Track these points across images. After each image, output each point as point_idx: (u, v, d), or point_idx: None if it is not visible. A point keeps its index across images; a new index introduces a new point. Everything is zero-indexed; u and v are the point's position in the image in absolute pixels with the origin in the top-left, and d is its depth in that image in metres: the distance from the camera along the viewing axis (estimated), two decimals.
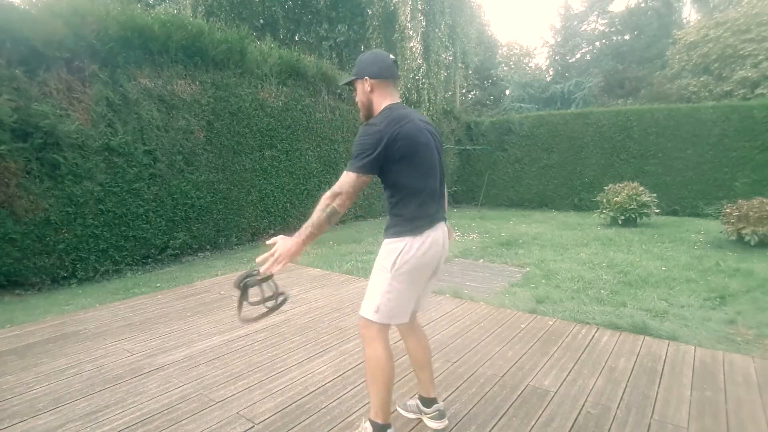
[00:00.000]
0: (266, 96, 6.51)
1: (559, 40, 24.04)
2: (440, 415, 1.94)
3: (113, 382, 2.35)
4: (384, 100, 1.82)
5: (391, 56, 1.87)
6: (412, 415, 2.02)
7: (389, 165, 1.72)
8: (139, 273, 5.00)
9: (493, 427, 1.94)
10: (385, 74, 1.81)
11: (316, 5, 11.92)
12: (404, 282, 1.76)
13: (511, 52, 27.42)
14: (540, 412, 2.06)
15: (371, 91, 1.82)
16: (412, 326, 1.97)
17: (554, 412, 2.06)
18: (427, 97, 11.09)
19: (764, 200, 5.81)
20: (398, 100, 1.86)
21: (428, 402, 1.95)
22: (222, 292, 3.96)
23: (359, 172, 1.68)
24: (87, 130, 4.45)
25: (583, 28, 23.93)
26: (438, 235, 1.81)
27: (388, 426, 1.78)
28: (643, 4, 21.14)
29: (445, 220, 1.90)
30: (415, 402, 2.02)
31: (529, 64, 26.93)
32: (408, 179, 1.75)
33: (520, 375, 2.42)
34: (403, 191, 1.77)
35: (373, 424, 1.78)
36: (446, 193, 1.98)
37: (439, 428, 1.93)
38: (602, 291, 3.93)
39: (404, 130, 1.71)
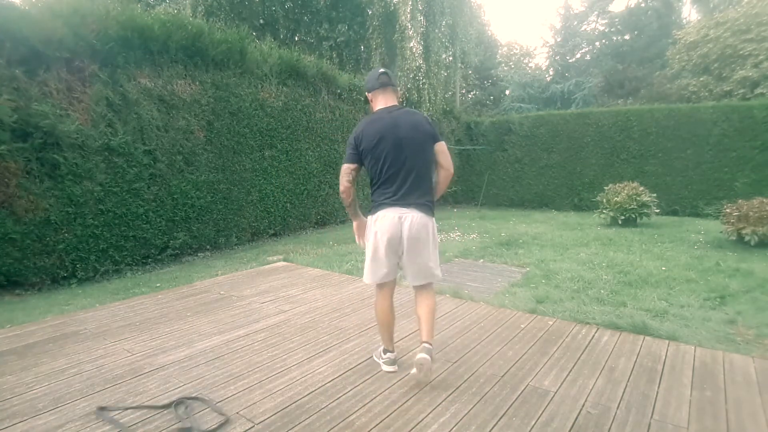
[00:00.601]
0: (266, 96, 6.51)
1: (559, 40, 24.03)
2: (429, 351, 2.25)
3: (113, 382, 2.35)
4: (377, 106, 2.37)
5: (381, 69, 2.37)
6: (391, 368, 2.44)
7: (363, 158, 2.30)
8: (139, 273, 5.00)
9: (493, 427, 1.94)
10: (374, 86, 2.36)
11: (316, 5, 11.92)
12: (370, 250, 2.36)
13: (511, 52, 27.42)
14: (540, 412, 2.05)
15: (371, 101, 2.42)
16: (419, 296, 2.42)
17: (554, 412, 2.06)
18: (427, 97, 11.09)
19: (764, 200, 5.81)
20: (389, 104, 2.34)
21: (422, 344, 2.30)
22: (222, 292, 3.97)
23: (344, 162, 2.33)
24: (87, 130, 4.45)
25: (583, 28, 23.92)
26: (390, 214, 2.25)
27: (389, 351, 2.49)
28: (643, 4, 21.14)
29: (408, 202, 2.25)
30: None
31: (529, 64, 26.92)
32: (371, 171, 2.31)
33: (520, 375, 2.42)
34: (371, 180, 2.35)
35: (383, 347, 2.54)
36: (424, 178, 2.32)
37: (423, 358, 2.21)
38: (602, 291, 3.92)
39: (369, 128, 2.27)
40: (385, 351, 2.50)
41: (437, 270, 2.39)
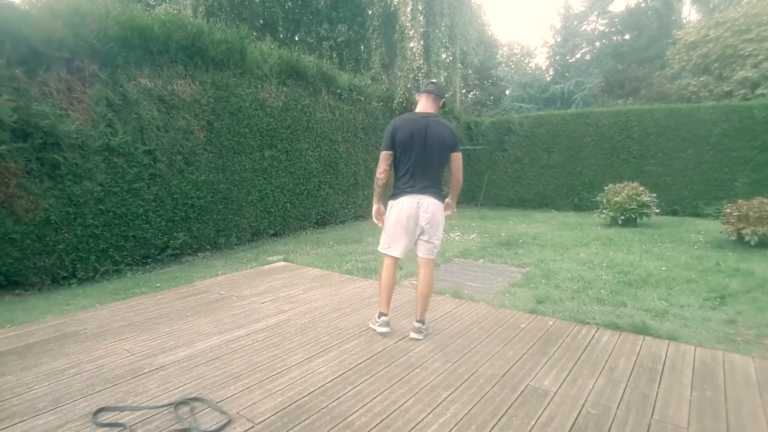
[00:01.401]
0: (266, 96, 6.51)
1: (559, 40, 24.02)
2: (417, 330, 2.89)
3: (113, 382, 2.35)
4: (417, 108, 2.89)
5: (433, 80, 2.94)
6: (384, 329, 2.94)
7: (395, 147, 2.79)
8: (139, 273, 5.00)
9: (493, 427, 1.94)
10: (421, 90, 2.90)
11: (316, 5, 11.92)
12: (388, 228, 2.88)
13: (512, 52, 27.42)
14: (540, 412, 2.06)
15: (417, 101, 2.92)
16: (421, 270, 2.89)
17: (554, 412, 2.06)
18: None
19: (764, 200, 5.81)
20: (428, 110, 2.84)
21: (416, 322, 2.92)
22: (222, 292, 3.97)
23: (382, 149, 2.85)
24: (87, 130, 4.45)
25: (583, 28, 23.91)
26: (408, 199, 2.78)
27: (383, 314, 2.95)
28: (643, 4, 21.13)
29: (426, 191, 2.77)
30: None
31: (529, 64, 26.92)
32: (399, 162, 2.82)
33: (520, 375, 2.42)
34: (397, 170, 2.87)
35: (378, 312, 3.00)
36: (436, 174, 2.84)
37: (415, 337, 2.87)
38: (602, 291, 3.93)
39: (405, 126, 2.77)
40: (380, 315, 2.96)
41: (437, 248, 2.89)
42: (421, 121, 2.75)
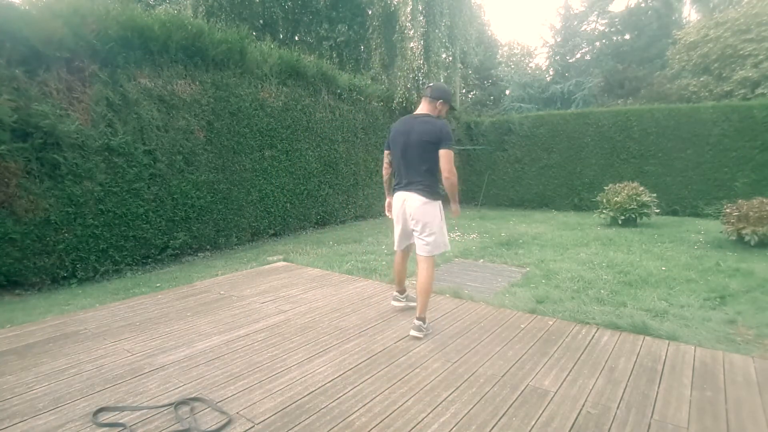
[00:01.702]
0: (266, 96, 6.51)
1: (559, 40, 23.99)
2: (417, 328, 2.90)
3: (113, 382, 2.35)
4: (416, 109, 3.03)
5: (430, 84, 3.04)
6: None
7: (389, 148, 3.08)
8: (139, 273, 5.00)
9: (493, 427, 1.94)
10: (421, 94, 3.09)
11: (316, 5, 11.91)
12: (394, 223, 3.17)
13: (512, 52, 27.41)
14: (540, 412, 2.06)
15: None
16: (418, 265, 2.98)
17: (554, 412, 2.06)
18: None
19: (764, 200, 5.80)
20: (422, 111, 2.97)
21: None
22: (222, 292, 3.97)
23: (384, 149, 3.17)
24: (87, 130, 4.45)
25: (583, 28, 23.88)
26: (397, 196, 3.02)
27: (397, 292, 3.44)
28: (643, 4, 21.11)
29: (410, 188, 2.91)
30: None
31: (530, 64, 26.90)
32: (394, 160, 3.06)
33: (520, 375, 2.42)
34: (393, 168, 3.10)
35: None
36: (421, 172, 2.90)
37: (415, 335, 2.89)
38: (602, 291, 3.92)
39: (397, 126, 3.02)
40: (395, 290, 3.45)
41: (430, 246, 2.92)
42: (410, 121, 2.93)
